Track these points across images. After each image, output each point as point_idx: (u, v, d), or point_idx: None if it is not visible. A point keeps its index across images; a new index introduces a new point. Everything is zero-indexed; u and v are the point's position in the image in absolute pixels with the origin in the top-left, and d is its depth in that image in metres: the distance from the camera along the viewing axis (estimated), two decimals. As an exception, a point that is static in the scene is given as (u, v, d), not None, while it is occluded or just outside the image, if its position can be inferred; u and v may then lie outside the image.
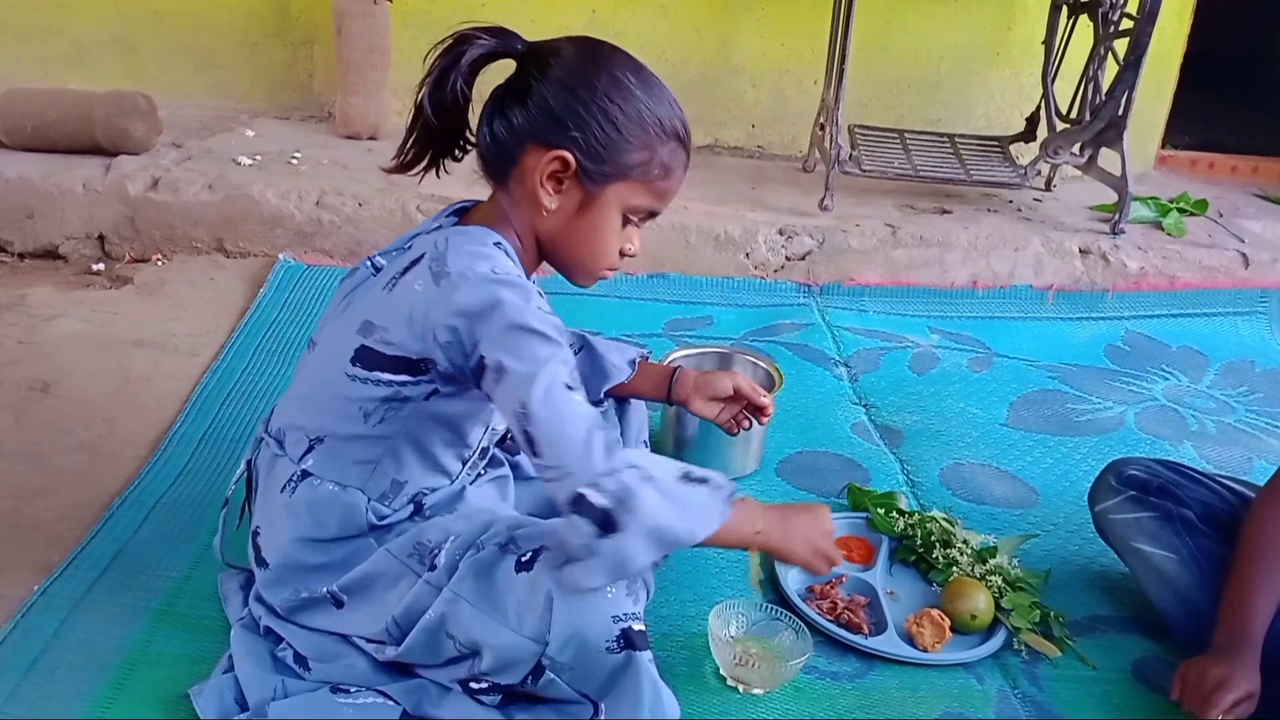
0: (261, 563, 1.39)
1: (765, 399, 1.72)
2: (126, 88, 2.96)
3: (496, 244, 1.29)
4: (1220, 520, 1.62)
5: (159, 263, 2.75)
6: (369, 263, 1.36)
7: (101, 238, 2.76)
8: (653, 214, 1.35)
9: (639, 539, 1.15)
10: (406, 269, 1.28)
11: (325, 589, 1.35)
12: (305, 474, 1.35)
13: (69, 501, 1.75)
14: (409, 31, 3.34)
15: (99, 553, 1.62)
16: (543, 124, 1.26)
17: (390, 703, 1.32)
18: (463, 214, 1.39)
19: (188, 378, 2.18)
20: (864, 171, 3.04)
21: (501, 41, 1.29)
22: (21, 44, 3.33)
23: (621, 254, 1.36)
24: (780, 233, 2.92)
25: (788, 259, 2.93)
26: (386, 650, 1.33)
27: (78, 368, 2.19)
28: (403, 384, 1.29)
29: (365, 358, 1.28)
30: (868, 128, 3.34)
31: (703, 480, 1.24)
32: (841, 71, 2.96)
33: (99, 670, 1.40)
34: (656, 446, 1.91)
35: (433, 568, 1.29)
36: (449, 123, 1.31)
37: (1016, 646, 1.61)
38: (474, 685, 1.31)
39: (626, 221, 1.34)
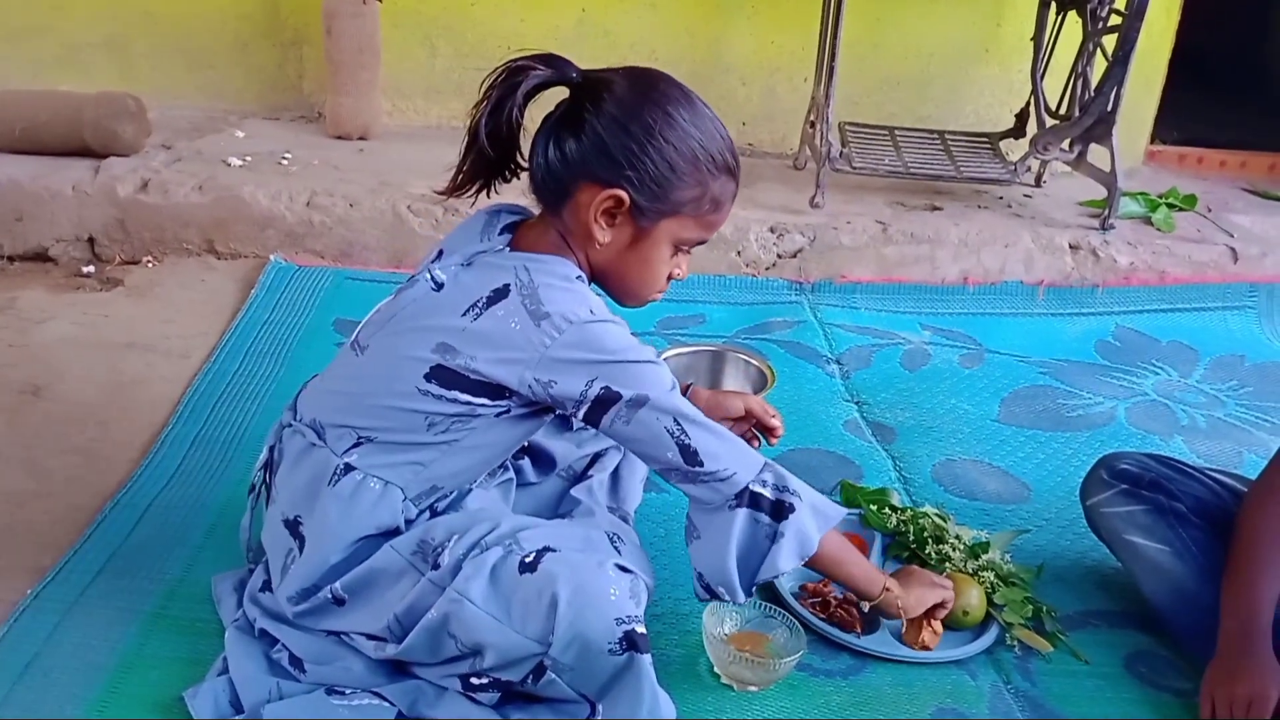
0: (302, 550, 1.38)
1: (775, 420, 1.72)
2: (117, 89, 2.96)
3: (578, 277, 1.33)
4: (1212, 514, 1.63)
5: (150, 265, 2.75)
6: (428, 275, 1.35)
7: (92, 240, 2.75)
8: (701, 242, 1.38)
9: (809, 516, 1.35)
10: (492, 300, 1.28)
11: (329, 587, 1.35)
12: (349, 467, 1.35)
13: (62, 504, 1.75)
14: (399, 31, 3.34)
15: (92, 556, 1.62)
16: (597, 160, 1.28)
17: (386, 704, 1.32)
18: (513, 228, 1.38)
19: (180, 379, 2.18)
20: (855, 169, 3.05)
21: (556, 71, 1.30)
22: (12, 45, 3.32)
23: (669, 278, 1.40)
24: (771, 230, 2.92)
25: (779, 256, 2.94)
26: (387, 648, 1.33)
27: (69, 370, 2.19)
28: (480, 404, 1.31)
29: (444, 377, 1.29)
30: (858, 125, 3.35)
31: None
32: (832, 69, 2.96)
33: (93, 673, 1.40)
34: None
35: (436, 566, 1.30)
36: (502, 149, 1.33)
37: (1009, 642, 1.62)
38: (474, 681, 1.31)
39: (676, 250, 1.36)
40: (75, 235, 2.74)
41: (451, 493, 1.42)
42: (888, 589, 1.50)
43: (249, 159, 2.98)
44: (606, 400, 1.28)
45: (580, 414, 1.30)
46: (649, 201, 1.29)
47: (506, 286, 1.28)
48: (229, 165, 2.92)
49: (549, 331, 1.26)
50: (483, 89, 1.30)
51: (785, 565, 1.35)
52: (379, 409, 1.34)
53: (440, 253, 1.39)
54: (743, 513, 1.33)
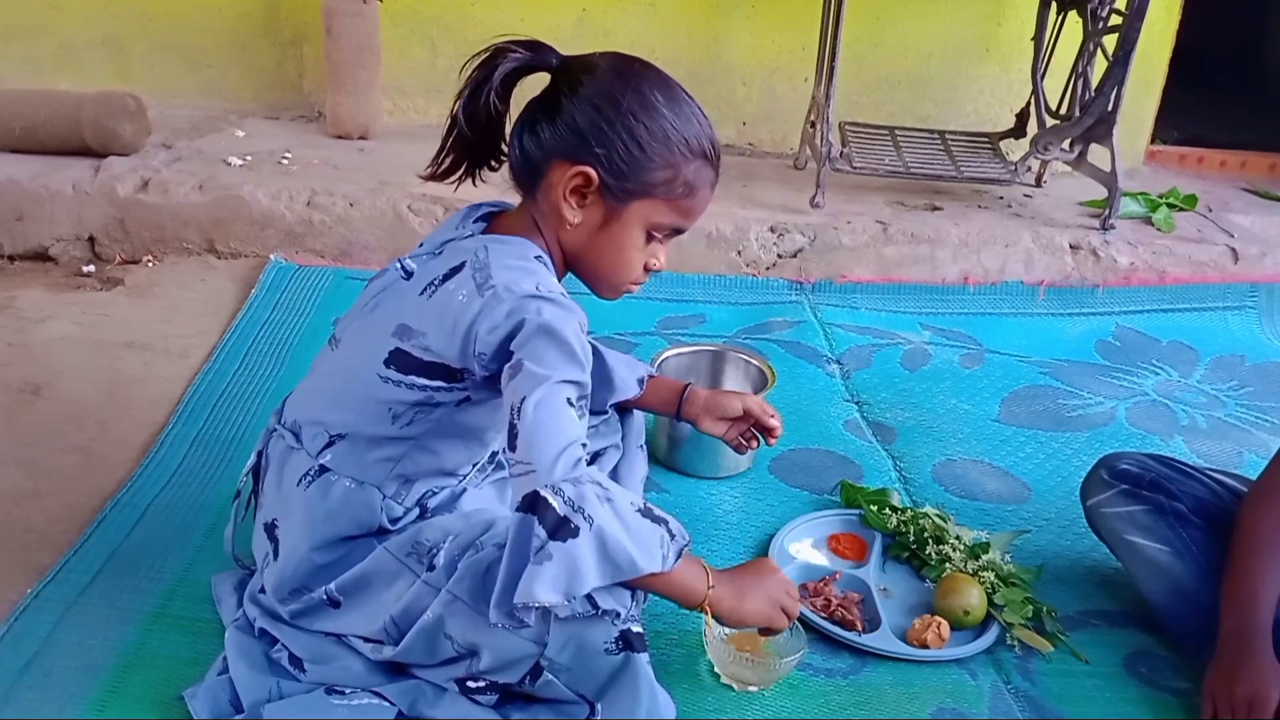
0: (276, 554, 1.38)
1: (774, 420, 1.72)
2: (116, 88, 2.96)
3: (537, 257, 1.31)
4: (1212, 514, 1.63)
5: (149, 264, 2.75)
6: (399, 265, 1.35)
7: (91, 239, 2.75)
8: (678, 230, 1.36)
9: (590, 552, 1.15)
10: (447, 276, 1.27)
11: (323, 589, 1.35)
12: (323, 469, 1.35)
13: (61, 504, 1.75)
14: (398, 31, 3.34)
15: (92, 555, 1.62)
16: (569, 140, 1.27)
17: (385, 703, 1.32)
18: (489, 219, 1.38)
19: (179, 379, 2.18)
20: (855, 169, 3.05)
21: (536, 55, 1.30)
22: (10, 44, 3.32)
23: (646, 269, 1.37)
24: (772, 230, 2.92)
25: (779, 256, 2.94)
26: (384, 650, 1.33)
27: (69, 370, 2.19)
28: (436, 389, 1.30)
29: (400, 361, 1.29)
30: (858, 125, 3.35)
31: (661, 520, 1.24)
32: (832, 69, 2.96)
33: (93, 673, 1.40)
34: (651, 447, 1.91)
35: (431, 568, 1.30)
36: (484, 134, 1.32)
37: (1009, 642, 1.62)
38: (471, 684, 1.31)
39: (651, 237, 1.34)
40: (75, 235, 2.74)
41: (440, 490, 1.42)
42: (705, 607, 1.32)
43: (249, 158, 2.98)
44: (510, 364, 1.21)
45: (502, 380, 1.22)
46: (618, 180, 1.28)
47: (462, 264, 1.28)
48: (229, 165, 2.92)
49: (490, 301, 1.23)
50: (462, 73, 1.30)
51: (543, 593, 1.13)
52: (348, 403, 1.34)
53: (421, 246, 1.40)
54: (522, 516, 1.16)
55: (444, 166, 1.36)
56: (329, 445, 1.35)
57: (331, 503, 1.34)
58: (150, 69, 3.39)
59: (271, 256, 2.76)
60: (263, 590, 1.44)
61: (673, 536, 1.25)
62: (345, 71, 3.20)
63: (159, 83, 3.36)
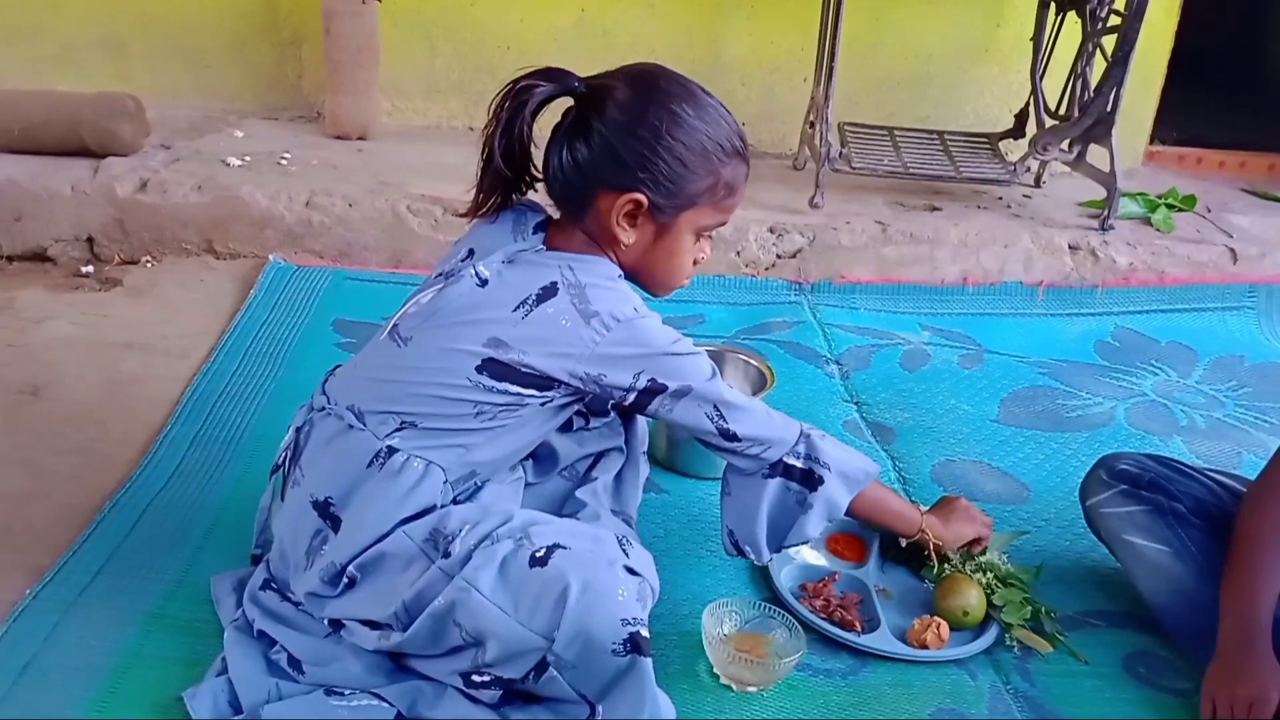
0: (336, 530, 1.37)
1: None
2: (115, 88, 2.96)
3: (620, 276, 1.39)
4: (1211, 514, 1.63)
5: (148, 264, 2.75)
6: (473, 272, 1.36)
7: (90, 240, 2.75)
8: (721, 224, 1.43)
9: (837, 484, 1.49)
10: (541, 298, 1.32)
11: (345, 570, 1.34)
12: (392, 450, 1.35)
13: (60, 504, 1.75)
14: (398, 31, 3.34)
15: (91, 556, 1.62)
16: (611, 167, 1.32)
17: (384, 704, 1.33)
18: (542, 226, 1.41)
19: (179, 379, 2.18)
20: (854, 169, 3.05)
21: (559, 84, 1.33)
22: (9, 44, 3.32)
23: (695, 263, 1.44)
24: (771, 230, 2.92)
25: (778, 257, 2.94)
26: (392, 636, 1.33)
27: (68, 370, 2.19)
28: (529, 395, 1.35)
29: (496, 370, 1.33)
30: (857, 125, 3.35)
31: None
32: (831, 69, 2.96)
33: (92, 674, 1.40)
34: (651, 447, 1.91)
35: (446, 555, 1.30)
36: (515, 166, 1.36)
37: (1008, 642, 1.62)
38: (475, 678, 1.31)
39: (698, 237, 1.41)
40: (74, 235, 2.74)
41: (483, 483, 1.44)
42: (924, 530, 1.64)
43: (248, 159, 2.98)
44: (653, 390, 1.36)
45: (629, 400, 1.37)
46: (666, 199, 1.33)
47: (554, 284, 1.32)
48: (228, 165, 2.92)
49: (598, 329, 1.31)
50: (491, 110, 1.33)
51: (813, 532, 1.50)
52: (426, 398, 1.35)
53: (471, 251, 1.41)
54: (775, 482, 1.48)
55: (482, 201, 1.40)
56: (399, 430, 1.36)
57: (401, 482, 1.34)
58: (149, 69, 3.39)
59: (270, 257, 2.76)
60: (263, 588, 1.45)
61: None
62: (344, 72, 3.20)
63: (158, 83, 3.35)
